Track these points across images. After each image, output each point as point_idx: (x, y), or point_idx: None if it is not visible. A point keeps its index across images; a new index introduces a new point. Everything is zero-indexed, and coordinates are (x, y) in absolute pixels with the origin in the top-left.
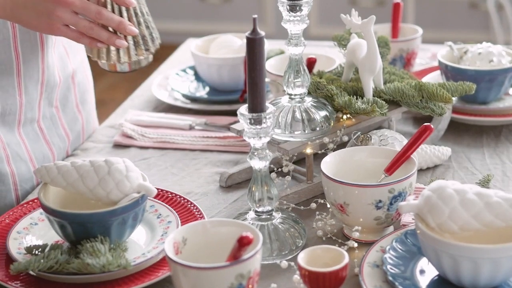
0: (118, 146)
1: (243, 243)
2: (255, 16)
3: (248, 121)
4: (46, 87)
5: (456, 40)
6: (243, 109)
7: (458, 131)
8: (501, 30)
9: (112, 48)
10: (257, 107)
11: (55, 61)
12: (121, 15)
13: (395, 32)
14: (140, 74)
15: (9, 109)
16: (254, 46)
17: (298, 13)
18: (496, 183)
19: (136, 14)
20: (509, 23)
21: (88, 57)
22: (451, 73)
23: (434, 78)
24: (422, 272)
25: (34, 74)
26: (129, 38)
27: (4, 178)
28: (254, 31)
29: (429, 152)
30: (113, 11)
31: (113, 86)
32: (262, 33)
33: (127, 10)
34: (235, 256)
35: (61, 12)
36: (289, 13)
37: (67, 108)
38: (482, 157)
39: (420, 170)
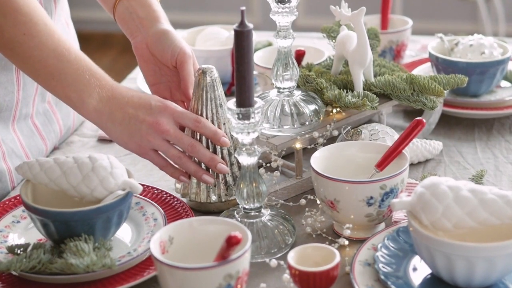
0: (103, 140)
1: (231, 243)
2: (243, 8)
3: (236, 116)
4: None
5: (444, 31)
6: (230, 103)
7: (449, 124)
8: (489, 21)
9: (202, 188)
10: (245, 102)
11: None
12: (215, 152)
13: (384, 23)
14: (125, 66)
15: (5, 106)
16: (242, 39)
17: (286, 5)
18: (488, 178)
19: (230, 154)
20: (497, 14)
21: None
22: (442, 65)
23: (424, 70)
24: (415, 270)
25: None
26: (220, 179)
27: (1, 175)
28: (242, 23)
29: (420, 146)
30: (207, 147)
31: None
32: (251, 25)
33: (222, 149)
34: (223, 256)
35: (154, 137)
36: (278, 4)
37: (61, 103)
38: (474, 151)
39: (411, 165)
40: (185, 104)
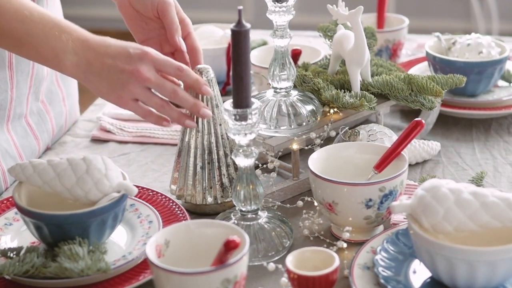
0: (96, 140)
1: (229, 247)
2: (241, 7)
3: (233, 117)
4: (35, 81)
5: (437, 28)
6: (227, 104)
7: (446, 124)
8: (482, 19)
9: (198, 189)
10: (242, 103)
11: None
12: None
13: (380, 22)
14: None
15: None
16: (239, 39)
17: (283, 4)
18: (487, 179)
19: (226, 155)
20: (490, 11)
21: None
22: (439, 64)
23: (421, 70)
24: (415, 274)
25: (25, 67)
26: (216, 180)
27: None
28: (239, 23)
29: (418, 147)
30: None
31: None
32: (248, 25)
33: (218, 150)
34: (221, 260)
35: (135, 86)
36: (274, 3)
37: (54, 102)
38: (473, 152)
39: (409, 166)
40: (175, 55)
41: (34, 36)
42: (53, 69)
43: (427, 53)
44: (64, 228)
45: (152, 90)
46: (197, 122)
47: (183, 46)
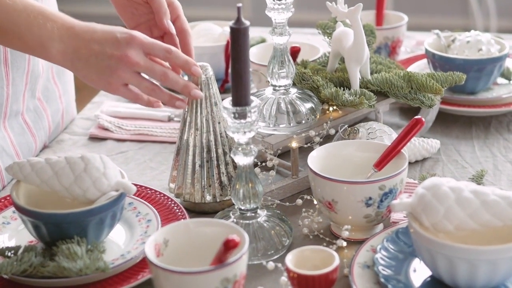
0: (94, 138)
1: (229, 246)
2: (240, 5)
3: (232, 115)
4: (31, 78)
5: (434, 25)
6: (226, 102)
7: (446, 122)
8: (480, 16)
9: (197, 188)
10: (241, 101)
11: None
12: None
13: (379, 19)
14: None
15: None
16: (238, 36)
17: (282, 1)
18: (487, 177)
19: (225, 153)
20: (488, 8)
21: None
22: (438, 62)
23: (420, 67)
24: (415, 273)
25: (21, 63)
26: (215, 178)
27: None
28: (238, 20)
29: (417, 144)
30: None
31: None
32: (247, 22)
33: (216, 148)
34: (220, 259)
35: (124, 71)
36: (274, 0)
37: (51, 100)
38: (472, 150)
39: (409, 164)
40: (164, 39)
41: (18, 25)
42: (39, 57)
43: (426, 50)
44: (62, 227)
45: (142, 74)
46: (196, 120)
47: (172, 29)
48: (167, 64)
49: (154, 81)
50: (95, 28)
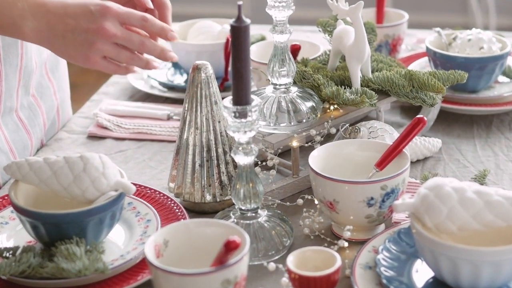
0: (93, 137)
1: (230, 247)
2: (240, 2)
3: (233, 114)
4: (24, 74)
5: (434, 23)
6: (227, 101)
7: (447, 121)
8: (479, 13)
9: (197, 187)
10: (242, 100)
11: (33, 45)
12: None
13: (380, 17)
14: None
15: None
16: (239, 34)
17: None
18: (490, 177)
19: (225, 152)
20: (487, 6)
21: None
22: (439, 60)
23: (421, 65)
24: (417, 273)
25: (14, 59)
26: (215, 178)
27: None
28: (239, 18)
29: (419, 144)
30: None
31: (85, 70)
32: (248, 20)
33: (216, 148)
34: (221, 261)
35: (102, 44)
36: None
37: (45, 96)
38: (474, 149)
39: (410, 163)
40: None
41: None
42: (12, 37)
43: (427, 48)
44: (61, 227)
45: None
46: (196, 119)
47: (149, 3)
48: (143, 32)
49: None
50: (67, 2)
